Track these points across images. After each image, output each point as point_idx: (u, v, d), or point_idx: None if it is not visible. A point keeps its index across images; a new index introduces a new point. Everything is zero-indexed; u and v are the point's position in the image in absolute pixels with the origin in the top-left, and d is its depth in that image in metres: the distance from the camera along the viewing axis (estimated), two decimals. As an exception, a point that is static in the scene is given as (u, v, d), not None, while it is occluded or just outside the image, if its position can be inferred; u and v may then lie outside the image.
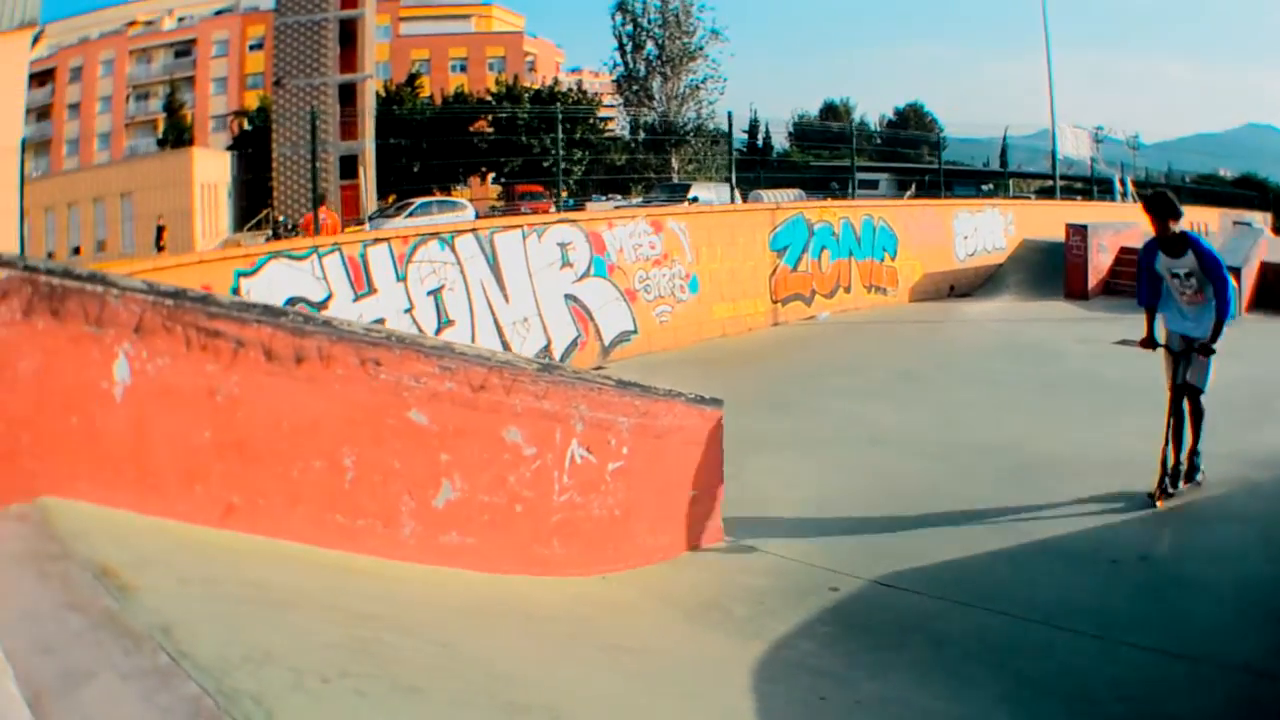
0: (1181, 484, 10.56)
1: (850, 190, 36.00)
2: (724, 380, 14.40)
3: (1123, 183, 62.27)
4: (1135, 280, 11.32)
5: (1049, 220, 29.54)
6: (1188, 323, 10.70)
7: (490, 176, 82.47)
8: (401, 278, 16.27)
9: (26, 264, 5.30)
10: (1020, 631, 7.18)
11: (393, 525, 6.50)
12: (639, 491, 8.19)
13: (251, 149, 76.72)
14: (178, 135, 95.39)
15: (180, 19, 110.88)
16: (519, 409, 7.19)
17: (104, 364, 5.41)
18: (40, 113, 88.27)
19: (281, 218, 60.74)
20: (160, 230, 46.83)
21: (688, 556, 8.66)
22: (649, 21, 74.67)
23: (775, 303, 22.77)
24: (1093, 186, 61.67)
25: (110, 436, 5.38)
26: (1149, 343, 10.90)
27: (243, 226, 66.00)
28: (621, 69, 76.32)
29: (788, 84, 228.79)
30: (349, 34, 70.93)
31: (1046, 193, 63.12)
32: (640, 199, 54.89)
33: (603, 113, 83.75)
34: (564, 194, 37.20)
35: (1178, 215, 10.56)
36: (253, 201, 70.92)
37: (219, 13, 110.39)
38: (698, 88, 74.56)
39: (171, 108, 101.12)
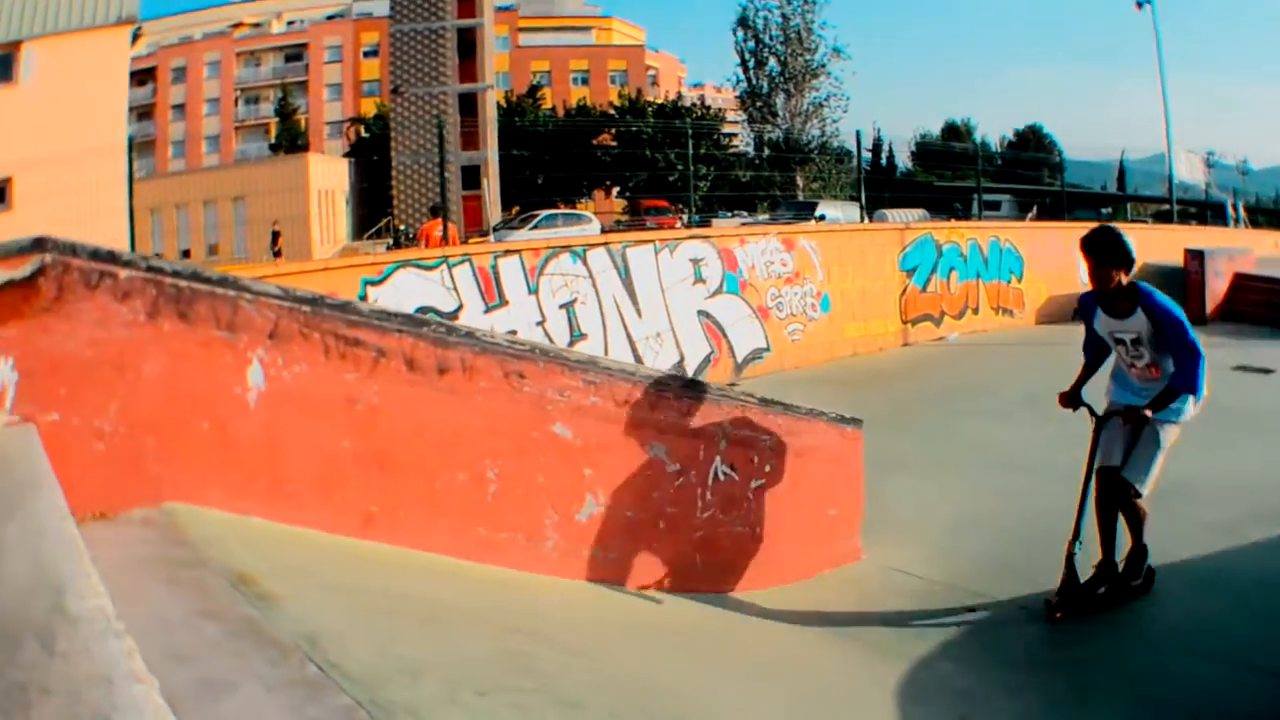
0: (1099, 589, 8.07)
1: (976, 211, 35.45)
2: (856, 399, 14.19)
3: (1235, 208, 61.05)
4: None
5: (1165, 244, 28.93)
6: (1139, 400, 8.02)
7: (615, 191, 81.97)
8: (533, 290, 16.12)
9: (150, 264, 5.27)
10: (1152, 655, 7.13)
11: (535, 539, 6.43)
12: (780, 510, 8.07)
13: (369, 156, 76.93)
14: (291, 140, 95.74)
15: (289, 23, 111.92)
16: (663, 425, 7.11)
17: (237, 369, 5.37)
18: (142, 112, 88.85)
19: (402, 226, 61.02)
20: (276, 235, 47.14)
21: (827, 575, 8.56)
22: (770, 38, 74.27)
23: (905, 323, 22.46)
24: (1206, 211, 60.57)
25: (243, 443, 5.34)
26: (1069, 399, 8.47)
27: (362, 234, 66.14)
28: (745, 85, 75.75)
29: (907, 103, 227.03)
30: (467, 43, 70.98)
31: (1163, 217, 61.89)
32: (766, 216, 54.48)
33: (727, 129, 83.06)
34: (689, 211, 37.01)
35: (1126, 263, 7.86)
36: (371, 209, 71.24)
37: (330, 17, 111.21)
38: (821, 105, 74.01)
39: (284, 112, 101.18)
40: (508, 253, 16.43)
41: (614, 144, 79.07)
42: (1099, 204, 75.87)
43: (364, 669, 3.69)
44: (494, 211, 62.11)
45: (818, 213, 45.23)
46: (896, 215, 40.07)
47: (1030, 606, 7.92)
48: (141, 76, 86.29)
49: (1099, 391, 8.41)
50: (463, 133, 69.83)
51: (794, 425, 8.10)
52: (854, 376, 18.49)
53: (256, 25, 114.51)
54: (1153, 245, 28.83)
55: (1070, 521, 7.96)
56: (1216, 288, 26.17)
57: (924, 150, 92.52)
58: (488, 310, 15.52)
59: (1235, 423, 12.92)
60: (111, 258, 5.17)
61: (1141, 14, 49.41)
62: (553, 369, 6.48)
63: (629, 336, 17.13)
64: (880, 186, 69.60)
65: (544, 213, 50.73)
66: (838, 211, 44.83)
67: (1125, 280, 7.92)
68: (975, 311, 24.03)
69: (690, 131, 36.50)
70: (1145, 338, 7.99)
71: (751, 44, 75.31)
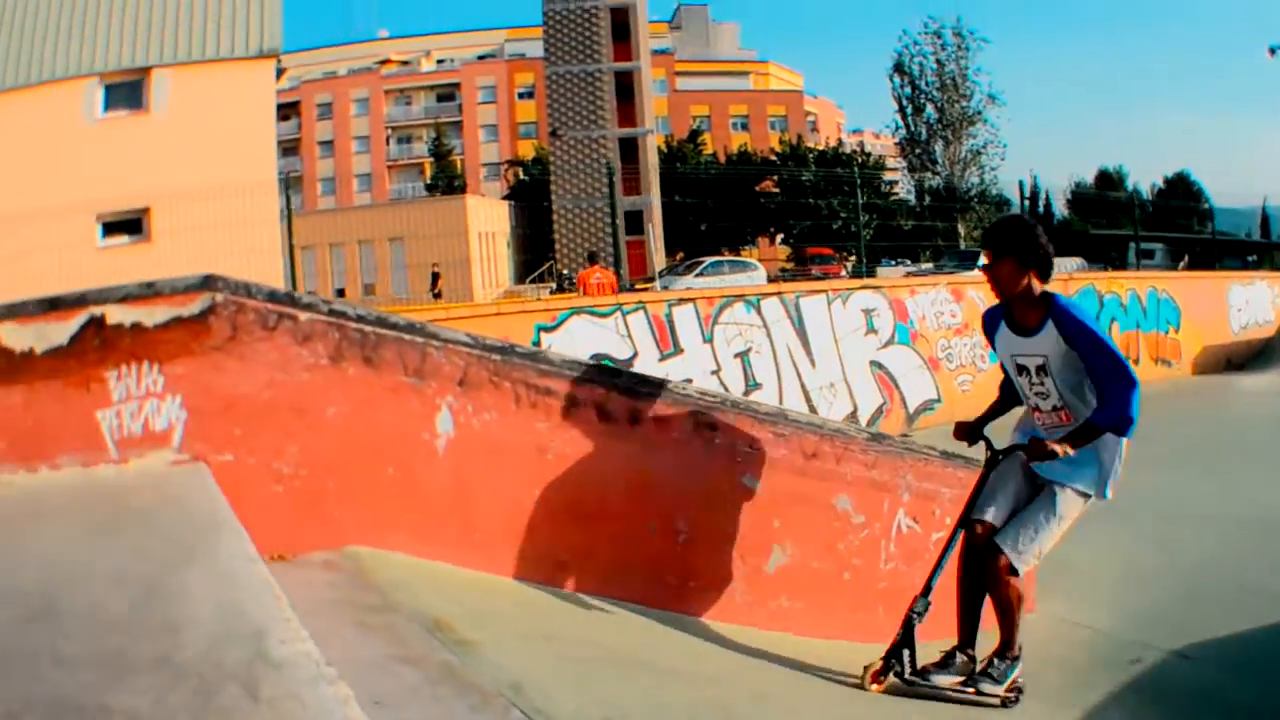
0: (984, 682, 6.25)
1: (1133, 260, 34.81)
2: (1023, 451, 13.85)
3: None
4: None
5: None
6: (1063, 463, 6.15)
7: (779, 238, 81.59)
8: (708, 339, 16.03)
9: (333, 308, 5.29)
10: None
11: (724, 589, 6.37)
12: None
13: (529, 199, 76.95)
14: (448, 181, 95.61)
15: (439, 61, 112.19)
16: (849, 477, 7.00)
17: (425, 416, 5.38)
18: (287, 147, 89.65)
19: (565, 271, 61.07)
20: (436, 277, 46.94)
21: None
22: (926, 84, 73.72)
23: (1070, 374, 21.89)
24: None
25: (431, 489, 5.35)
26: (966, 431, 6.71)
27: (524, 278, 65.89)
28: (903, 132, 75.07)
29: (1057, 150, 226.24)
30: (625, 87, 70.77)
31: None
32: (930, 265, 53.87)
33: (887, 175, 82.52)
34: (860, 259, 36.81)
35: (1035, 260, 6.23)
36: (532, 253, 71.00)
37: (482, 57, 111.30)
38: (979, 153, 73.14)
39: (439, 152, 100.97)
40: (682, 301, 16.40)
41: (777, 190, 78.53)
42: (1245, 252, 74.22)
43: (570, 716, 3.73)
44: (658, 257, 61.80)
45: (981, 262, 44.65)
46: (1056, 265, 39.37)
47: (1194, 657, 7.72)
48: (284, 111, 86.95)
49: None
50: (624, 178, 69.88)
51: (971, 478, 7.86)
52: (1022, 429, 18.07)
53: (405, 63, 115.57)
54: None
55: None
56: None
57: (1079, 198, 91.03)
58: (662, 358, 15.46)
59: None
60: (290, 300, 5.21)
61: (1276, 60, 48.06)
62: (743, 421, 6.40)
63: (803, 386, 16.99)
64: (1039, 235, 68.62)
65: (709, 259, 50.84)
66: (999, 261, 44.12)
67: (1036, 286, 6.21)
68: (1136, 362, 23.47)
69: (851, 180, 36.24)
70: (1053, 365, 6.14)
71: (908, 90, 74.97)
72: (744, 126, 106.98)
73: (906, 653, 6.07)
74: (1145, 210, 76.99)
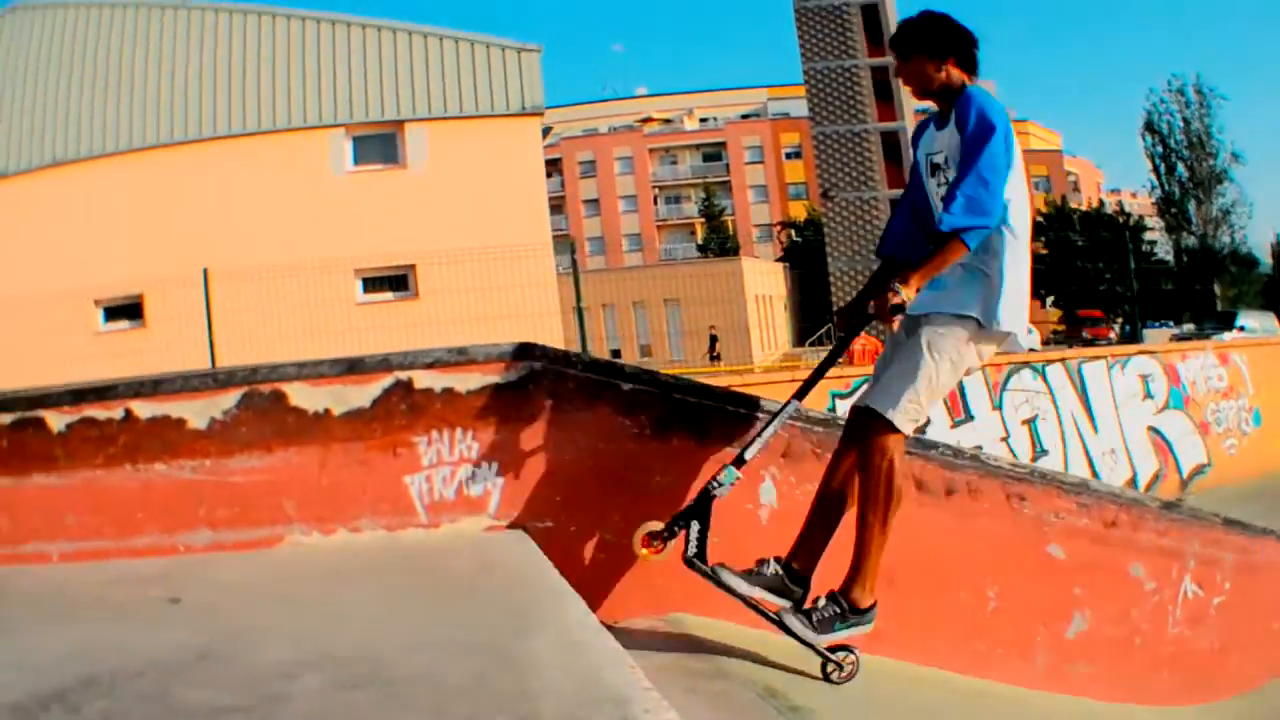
0: (790, 615, 5.03)
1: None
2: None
3: None
4: None
5: None
6: (930, 292, 5.08)
7: (1049, 300, 79.90)
8: (998, 405, 15.92)
9: (656, 379, 5.35)
10: None
11: (1026, 655, 6.29)
12: (1234, 625, 7.70)
13: (804, 261, 76.28)
14: (720, 242, 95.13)
15: (702, 120, 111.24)
16: (1143, 545, 6.83)
17: (749, 486, 5.32)
18: (552, 205, 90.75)
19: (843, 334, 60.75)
20: (714, 340, 46.78)
21: (1273, 685, 8.09)
22: (1175, 142, 71.66)
23: (1338, 438, 20.83)
24: None
25: (753, 557, 5.19)
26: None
27: (802, 341, 65.00)
28: (1159, 191, 73.27)
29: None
30: (890, 147, 69.89)
31: None
32: (1191, 327, 52.22)
33: (1147, 236, 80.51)
34: (1123, 322, 36.01)
35: (947, 48, 5.29)
36: (807, 316, 69.99)
37: (745, 116, 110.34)
38: (1227, 212, 71.02)
39: (710, 213, 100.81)
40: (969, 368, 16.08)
41: (1044, 251, 76.95)
42: None
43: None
44: None
45: (1238, 323, 43.17)
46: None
47: None
48: (546, 168, 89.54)
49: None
50: None
51: (1249, 544, 7.75)
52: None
53: (667, 121, 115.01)
54: None
55: None
56: None
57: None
58: (954, 426, 15.32)
59: None
60: (612, 369, 5.29)
61: None
62: (1050, 492, 6.29)
63: (1086, 452, 16.75)
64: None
65: None
66: (1255, 322, 42.70)
67: (956, 76, 5.28)
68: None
69: (1114, 241, 35.51)
70: (951, 160, 5.18)
71: (1159, 148, 73.34)
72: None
73: (696, 526, 5.02)
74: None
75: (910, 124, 69.69)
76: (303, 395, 5.05)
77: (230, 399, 5.06)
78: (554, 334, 22.67)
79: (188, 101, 26.48)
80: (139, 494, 5.08)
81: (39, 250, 25.41)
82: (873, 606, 5.08)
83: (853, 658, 5.06)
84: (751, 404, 5.47)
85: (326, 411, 5.04)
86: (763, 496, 5.43)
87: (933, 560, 5.80)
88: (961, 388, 15.37)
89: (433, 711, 2.96)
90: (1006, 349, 5.43)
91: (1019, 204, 5.13)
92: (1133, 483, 16.97)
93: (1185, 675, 7.29)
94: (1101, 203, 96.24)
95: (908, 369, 5.05)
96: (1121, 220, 79.80)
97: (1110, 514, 6.54)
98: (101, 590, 4.64)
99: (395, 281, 26.01)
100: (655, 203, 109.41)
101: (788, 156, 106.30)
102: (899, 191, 64.03)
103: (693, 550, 5.01)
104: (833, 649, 5.04)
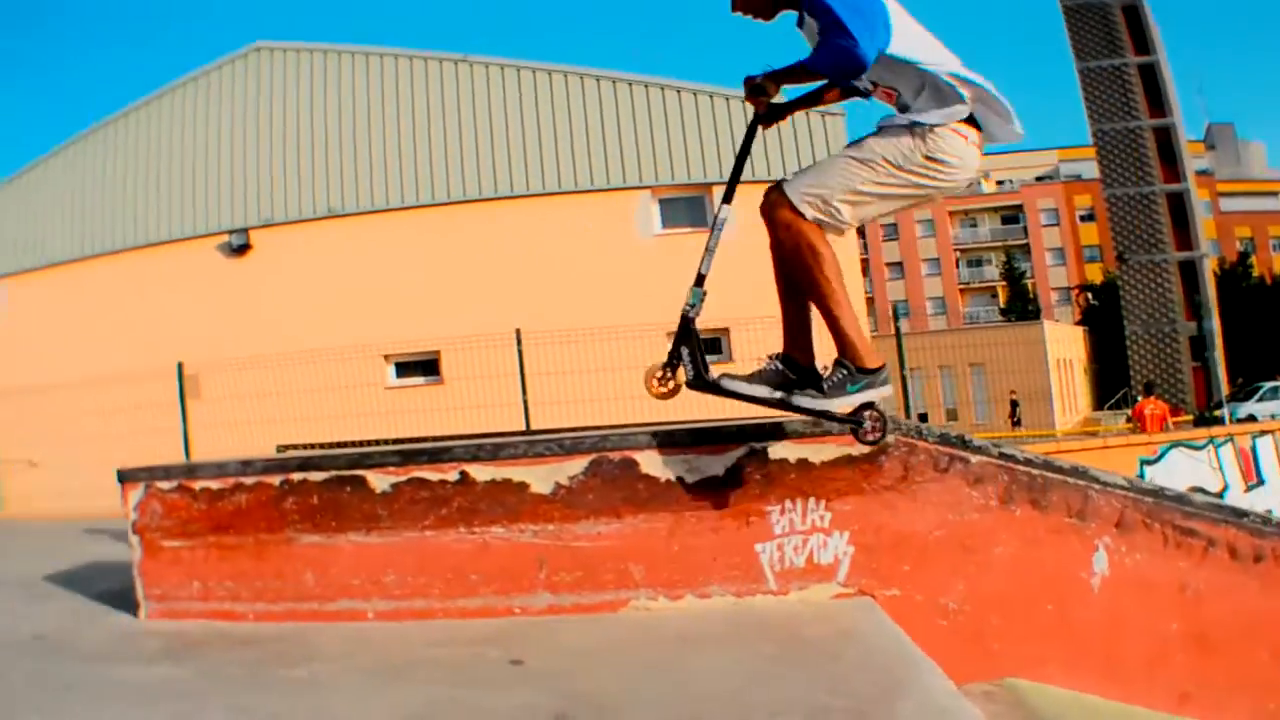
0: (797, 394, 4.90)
1: None
2: None
3: None
4: None
5: None
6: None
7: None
8: (1290, 470, 15.63)
9: (1001, 451, 5.28)
10: None
11: None
12: None
13: (1101, 325, 75.61)
14: (1021, 305, 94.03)
15: (999, 183, 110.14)
16: None
17: (1083, 555, 5.43)
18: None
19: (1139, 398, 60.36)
20: (1014, 404, 46.33)
21: None
22: None
23: None
24: None
25: (1082, 624, 5.37)
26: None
27: (1102, 405, 64.31)
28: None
29: None
30: (1174, 207, 68.96)
31: None
32: None
33: None
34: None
35: None
36: (1105, 380, 69.40)
37: (1039, 179, 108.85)
38: None
39: (1010, 276, 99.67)
40: (1263, 432, 16.16)
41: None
42: None
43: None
44: (1224, 384, 60.53)
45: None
46: None
47: None
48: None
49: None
50: (1185, 302, 67.52)
51: None
52: None
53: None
54: None
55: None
56: None
57: None
58: (1247, 490, 15.08)
59: None
60: (961, 443, 5.21)
61: None
62: None
63: None
64: None
65: (1267, 384, 49.70)
66: None
67: None
68: None
69: None
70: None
71: None
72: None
73: (685, 351, 5.05)
74: None
75: (1192, 186, 69.77)
76: (654, 463, 4.98)
77: (577, 465, 5.02)
78: (893, 398, 22.13)
79: (478, 158, 26.71)
80: (473, 555, 5.06)
81: (331, 301, 25.81)
82: (882, 366, 4.89)
83: (876, 413, 4.80)
84: (1089, 475, 5.42)
85: (679, 479, 4.96)
86: (1095, 565, 5.36)
87: (1238, 624, 5.76)
88: (1254, 451, 15.39)
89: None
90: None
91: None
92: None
93: None
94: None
95: (826, 161, 5.11)
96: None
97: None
98: (429, 650, 4.64)
99: (710, 344, 25.16)
100: (957, 266, 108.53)
101: (1082, 219, 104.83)
102: (1186, 254, 63.44)
103: (691, 374, 4.95)
104: (854, 413, 4.80)
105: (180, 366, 19.65)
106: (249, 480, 5.36)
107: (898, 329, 20.37)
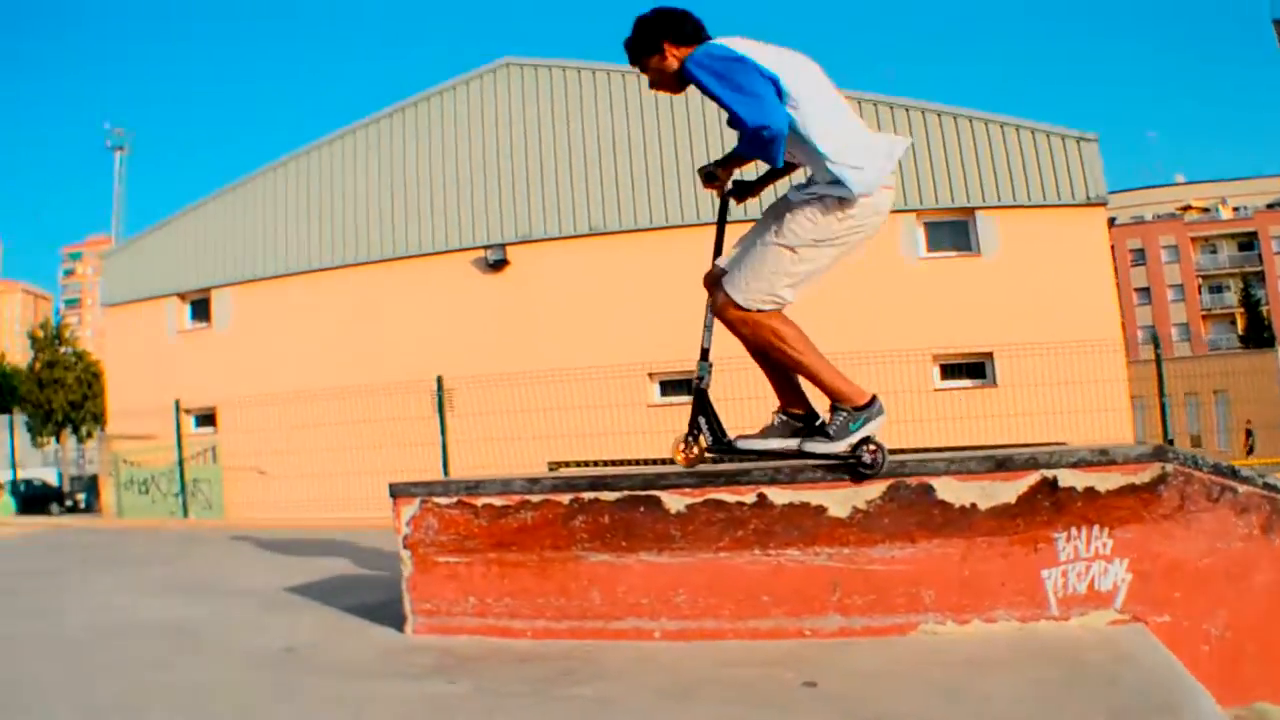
0: (808, 441, 5.27)
1: None
2: None
3: None
4: None
5: None
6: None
7: None
8: None
9: (1265, 481, 5.20)
10: None
11: None
12: None
13: None
14: (1258, 333, 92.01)
15: (1235, 209, 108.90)
16: None
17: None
18: None
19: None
20: (1249, 433, 45.07)
21: None
22: None
23: None
24: None
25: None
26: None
27: None
28: None
29: None
30: None
31: None
32: None
33: None
34: None
35: (668, 34, 5.36)
36: None
37: (1271, 206, 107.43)
38: None
39: (1248, 303, 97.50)
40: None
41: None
42: None
43: None
44: None
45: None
46: None
47: None
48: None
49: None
50: None
51: None
52: None
53: (1205, 210, 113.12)
54: None
55: None
56: None
57: None
58: None
59: None
60: (1232, 473, 5.14)
61: None
62: None
63: None
64: None
65: None
66: None
67: (679, 57, 5.35)
68: None
69: None
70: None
71: None
72: None
73: (703, 420, 5.48)
74: None
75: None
76: (950, 489, 4.96)
77: (875, 490, 5.02)
78: (1123, 429, 22.63)
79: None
80: (766, 577, 5.07)
81: (589, 318, 26.42)
82: (874, 399, 5.28)
83: (874, 445, 5.11)
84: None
85: (973, 506, 4.93)
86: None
87: None
88: None
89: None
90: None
91: (790, 85, 5.19)
92: None
93: None
94: None
95: (755, 246, 5.32)
96: None
97: None
98: (719, 671, 4.61)
99: (973, 369, 25.62)
100: (1199, 292, 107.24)
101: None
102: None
103: (710, 440, 5.44)
104: (855, 447, 5.13)
105: (440, 380, 19.63)
106: (536, 498, 5.39)
107: (1158, 355, 20.01)
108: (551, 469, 10.35)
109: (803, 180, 5.36)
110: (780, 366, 5.47)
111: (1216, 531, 5.07)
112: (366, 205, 29.48)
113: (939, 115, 25.92)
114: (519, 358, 24.24)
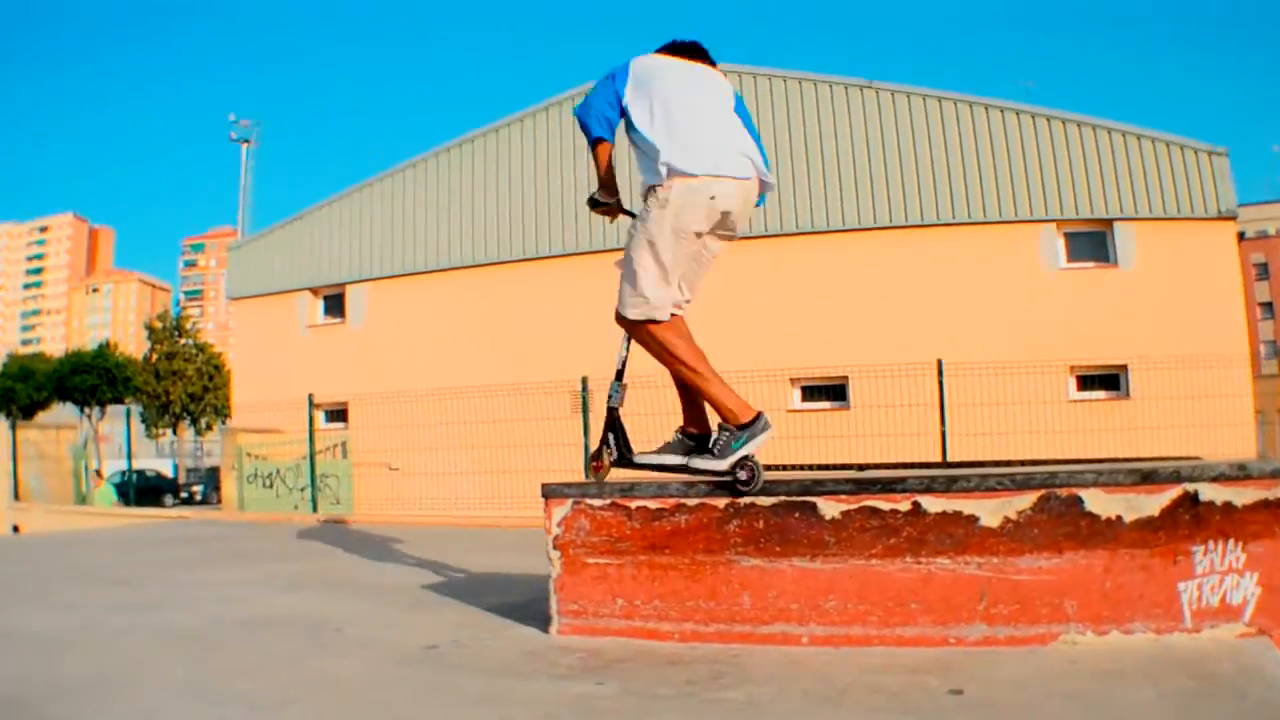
0: (695, 459, 5.73)
1: None
2: None
3: None
4: None
5: None
6: None
7: None
8: None
9: None
10: None
11: None
12: None
13: None
14: None
15: None
16: None
17: None
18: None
19: None
20: None
21: None
22: None
23: None
24: None
25: None
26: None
27: None
28: None
29: None
30: None
31: None
32: None
33: None
34: None
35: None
36: None
37: None
38: None
39: None
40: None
41: None
42: None
43: None
44: None
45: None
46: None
47: None
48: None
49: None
50: None
51: None
52: None
53: None
54: None
55: None
56: None
57: None
58: None
59: None
60: None
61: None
62: None
63: None
64: None
65: None
66: None
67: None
68: None
69: None
70: None
71: None
72: None
73: (612, 436, 6.03)
74: None
75: None
76: (1098, 501, 5.00)
77: (1026, 500, 5.04)
78: (1246, 444, 22.26)
79: (888, 185, 26.60)
80: (915, 585, 5.12)
81: (730, 322, 25.62)
82: (758, 416, 5.58)
83: (750, 463, 5.44)
84: None
85: (1118, 518, 4.97)
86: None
87: None
88: None
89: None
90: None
91: (638, 90, 5.77)
92: None
93: None
94: None
95: (629, 260, 5.71)
96: None
97: None
98: (866, 677, 4.59)
99: (1109, 381, 25.25)
100: None
101: None
102: None
103: (616, 456, 5.98)
104: (734, 466, 5.46)
105: (584, 381, 19.78)
106: (691, 501, 5.47)
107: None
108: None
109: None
110: (680, 383, 5.96)
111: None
112: (508, 204, 29.45)
113: (1079, 126, 25.71)
114: (654, 360, 23.63)
